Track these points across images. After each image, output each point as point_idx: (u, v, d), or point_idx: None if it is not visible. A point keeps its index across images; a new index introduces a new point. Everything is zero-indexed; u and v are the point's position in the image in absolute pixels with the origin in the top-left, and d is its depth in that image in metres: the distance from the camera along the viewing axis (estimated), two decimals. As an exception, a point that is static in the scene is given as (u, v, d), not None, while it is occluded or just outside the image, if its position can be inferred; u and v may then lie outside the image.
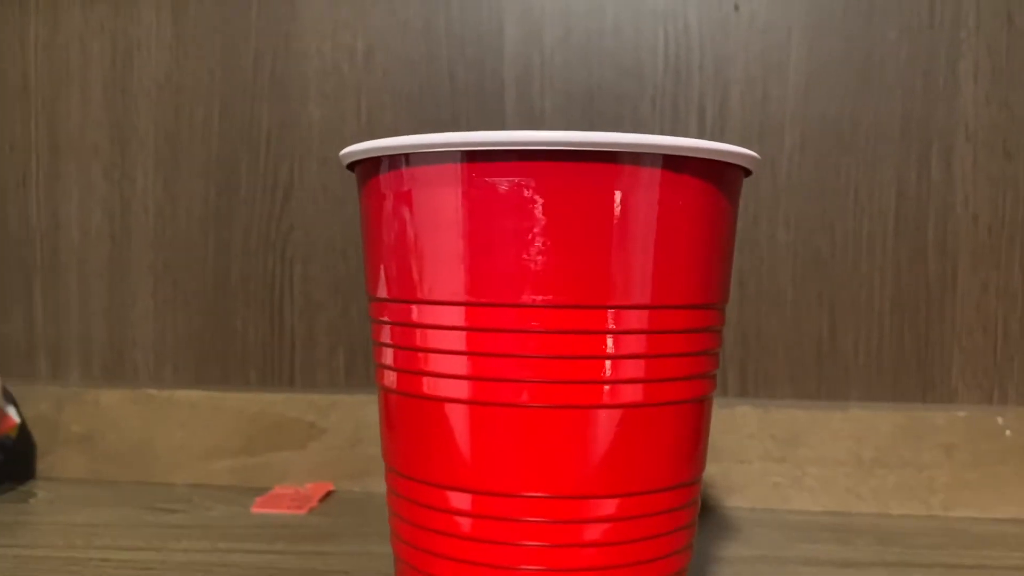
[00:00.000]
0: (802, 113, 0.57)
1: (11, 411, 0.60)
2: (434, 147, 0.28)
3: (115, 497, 0.58)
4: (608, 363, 0.28)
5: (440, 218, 0.28)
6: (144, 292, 0.64)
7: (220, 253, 0.63)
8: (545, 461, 0.28)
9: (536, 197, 0.27)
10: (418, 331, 0.30)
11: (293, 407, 0.60)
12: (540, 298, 0.28)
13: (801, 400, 0.57)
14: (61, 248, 0.65)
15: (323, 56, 0.61)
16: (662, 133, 0.58)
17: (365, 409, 0.59)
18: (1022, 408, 0.55)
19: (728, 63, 0.57)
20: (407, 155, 0.29)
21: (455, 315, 0.29)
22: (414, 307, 0.29)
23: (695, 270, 0.29)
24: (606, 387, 0.28)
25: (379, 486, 0.59)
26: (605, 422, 0.29)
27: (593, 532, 0.29)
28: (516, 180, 0.27)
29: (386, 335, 0.31)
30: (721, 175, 0.30)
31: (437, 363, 0.29)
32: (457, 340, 0.29)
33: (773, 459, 0.55)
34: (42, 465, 0.63)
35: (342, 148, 0.61)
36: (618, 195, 0.28)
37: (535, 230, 0.28)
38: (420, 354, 0.30)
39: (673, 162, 0.28)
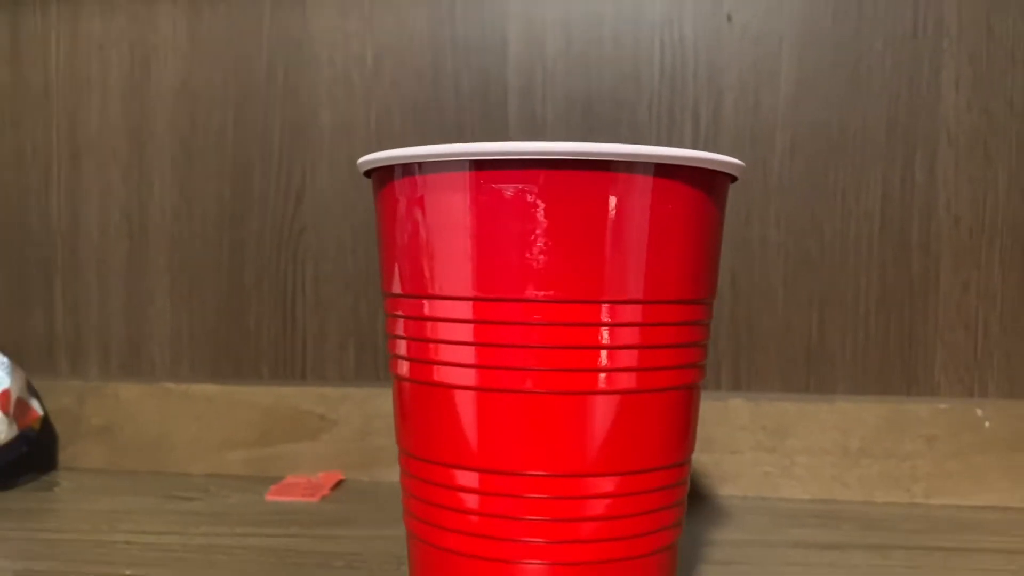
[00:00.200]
0: (792, 119, 0.59)
1: (35, 404, 0.63)
2: (445, 156, 0.31)
3: (135, 486, 0.60)
4: (604, 353, 0.31)
5: (450, 220, 0.31)
6: (161, 290, 0.66)
7: (234, 253, 0.65)
8: (546, 442, 0.31)
9: (538, 202, 0.30)
10: (429, 324, 0.32)
11: (305, 400, 0.62)
12: (542, 293, 0.30)
13: (791, 393, 0.60)
14: (81, 248, 0.67)
15: (334, 65, 0.64)
16: (658, 138, 0.60)
17: (374, 402, 0.61)
18: (1001, 401, 0.57)
19: (721, 71, 0.60)
20: (420, 163, 0.31)
21: (464, 309, 0.31)
22: (426, 302, 0.32)
23: (684, 267, 0.32)
24: (602, 375, 0.31)
25: (387, 475, 0.62)
26: (601, 407, 0.31)
27: (590, 508, 0.31)
28: (520, 186, 0.30)
29: (400, 328, 0.34)
30: (708, 181, 0.32)
31: (447, 353, 0.32)
32: (466, 332, 0.31)
33: (764, 449, 0.58)
34: (64, 456, 0.65)
35: (352, 153, 0.63)
36: (613, 200, 0.30)
37: (537, 231, 0.30)
38: (431, 345, 0.32)
39: (664, 169, 0.31)
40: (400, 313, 0.33)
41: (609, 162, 0.30)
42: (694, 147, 0.60)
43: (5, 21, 0.67)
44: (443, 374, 0.32)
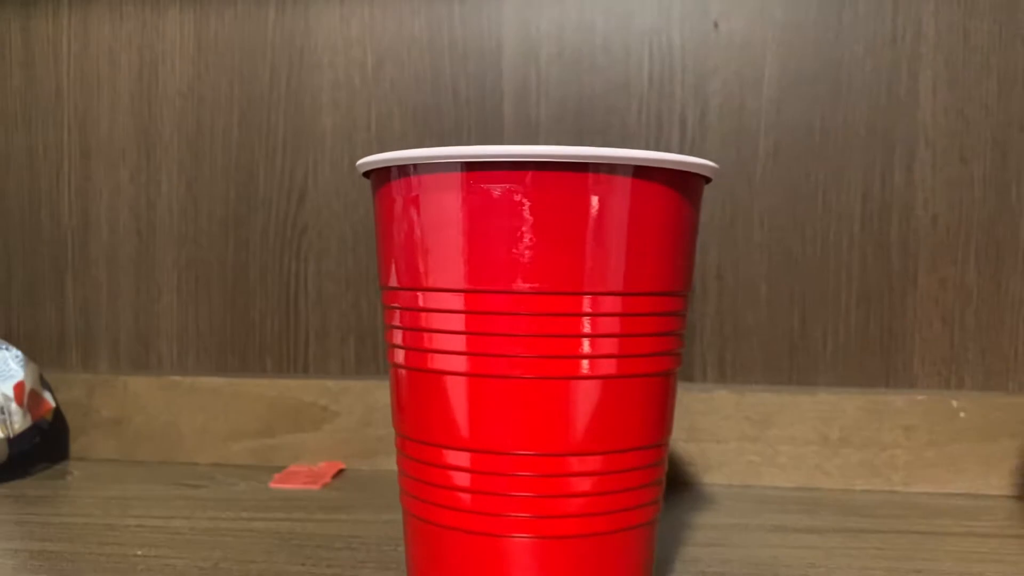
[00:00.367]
0: (775, 122, 0.62)
1: (47, 396, 0.65)
2: (438, 158, 0.33)
3: (144, 475, 0.63)
4: (587, 341, 0.33)
5: (443, 218, 0.33)
6: (169, 286, 0.69)
7: (239, 250, 0.68)
8: (533, 424, 0.33)
9: (525, 201, 0.32)
10: (423, 314, 0.34)
11: (307, 392, 0.65)
12: (528, 285, 0.33)
13: (774, 385, 0.62)
14: (91, 245, 0.70)
15: (335, 69, 0.66)
16: (647, 141, 0.63)
17: (374, 394, 0.64)
18: (975, 392, 0.60)
19: (708, 77, 0.62)
20: (415, 165, 0.34)
21: (456, 300, 0.34)
22: (420, 294, 0.34)
23: (661, 262, 0.34)
24: (585, 361, 0.33)
25: (387, 464, 0.64)
26: (584, 391, 0.33)
27: (574, 485, 0.34)
28: (508, 186, 0.32)
29: (396, 319, 0.36)
30: (684, 182, 0.35)
31: (440, 342, 0.34)
32: (457, 322, 0.34)
33: (748, 439, 0.60)
34: (75, 447, 0.68)
35: (353, 154, 0.66)
36: (595, 199, 0.33)
37: (524, 228, 0.33)
38: (425, 334, 0.34)
39: (642, 171, 0.33)
40: (397, 305, 0.36)
41: (591, 164, 0.32)
42: (681, 149, 0.62)
43: (18, 26, 0.70)
44: (436, 361, 0.34)
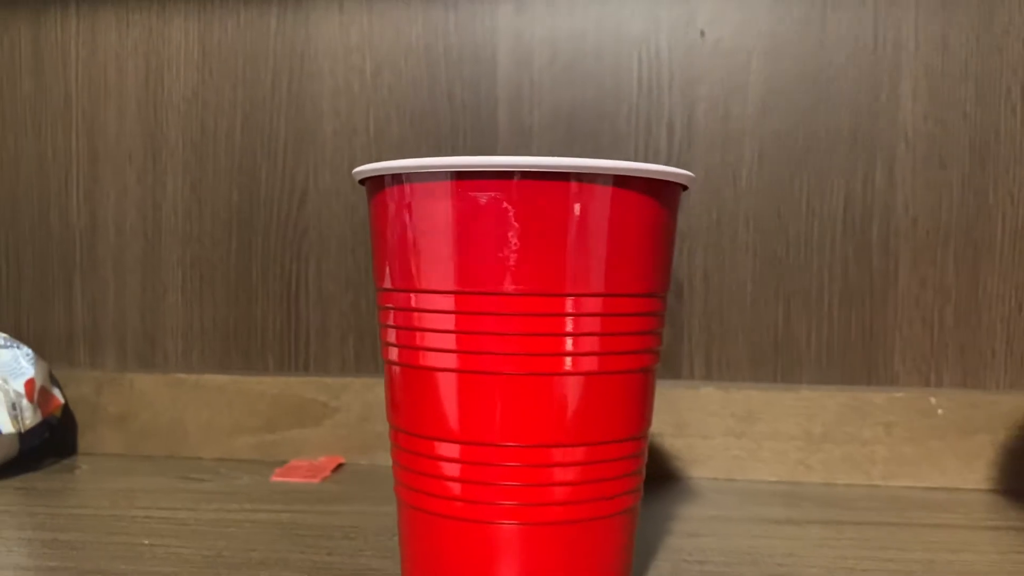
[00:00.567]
0: (760, 127, 0.64)
1: (56, 392, 0.67)
2: (429, 168, 0.35)
3: (150, 469, 0.65)
4: (569, 339, 0.35)
5: (434, 224, 0.35)
6: (174, 286, 0.71)
7: (242, 251, 0.70)
8: (519, 417, 0.35)
9: (510, 208, 0.34)
10: (415, 314, 0.37)
11: (308, 389, 0.67)
12: (514, 287, 0.35)
13: (759, 382, 0.64)
14: (99, 246, 0.72)
15: (335, 76, 0.68)
16: (636, 146, 0.65)
17: (373, 391, 0.66)
18: (953, 390, 0.62)
19: (695, 84, 0.64)
20: (407, 174, 0.36)
21: (446, 301, 0.36)
22: (412, 295, 0.37)
23: (640, 265, 0.36)
24: (568, 358, 0.35)
25: (385, 459, 0.66)
26: (567, 386, 0.36)
27: (558, 474, 0.36)
28: (494, 194, 0.34)
29: (390, 318, 0.38)
30: (660, 190, 0.37)
31: (432, 340, 0.36)
32: (447, 321, 0.36)
33: (733, 434, 0.62)
34: (83, 442, 0.70)
35: (352, 158, 0.68)
36: (577, 206, 0.35)
37: (510, 234, 0.35)
38: (418, 333, 0.37)
39: (621, 180, 0.35)
40: (390, 305, 0.38)
41: (572, 173, 0.34)
42: (669, 154, 0.64)
43: (28, 34, 0.72)
44: (428, 358, 0.36)
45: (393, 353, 0.38)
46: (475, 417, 0.36)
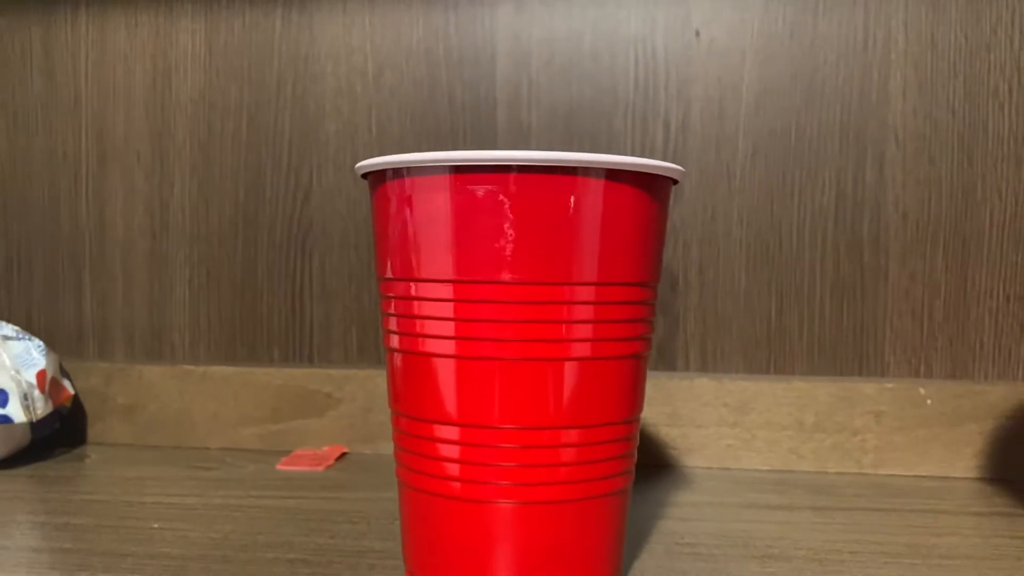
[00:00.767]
0: (753, 126, 0.65)
1: (67, 384, 0.69)
2: (429, 162, 0.37)
3: (158, 458, 0.66)
4: (564, 326, 0.37)
5: (433, 216, 0.37)
6: (181, 281, 0.73)
7: (248, 247, 0.72)
8: (515, 401, 0.37)
9: (506, 200, 0.36)
10: (416, 303, 0.38)
11: (312, 381, 0.68)
12: (510, 276, 0.36)
13: (752, 373, 0.66)
14: (107, 243, 0.74)
15: (338, 76, 0.70)
16: (632, 144, 0.66)
17: (375, 382, 0.67)
18: (942, 381, 0.63)
19: (690, 83, 0.66)
20: (408, 168, 0.37)
21: (445, 290, 0.37)
22: (413, 284, 0.38)
23: (631, 255, 0.38)
24: (562, 344, 0.37)
25: (387, 448, 0.68)
26: (562, 372, 0.37)
27: (553, 455, 0.37)
28: (491, 187, 0.36)
29: (392, 307, 0.40)
30: (651, 184, 0.38)
31: (431, 327, 0.38)
32: (446, 309, 0.37)
33: (726, 424, 0.64)
34: (92, 432, 0.72)
35: (355, 156, 0.70)
36: (571, 199, 0.36)
37: (506, 225, 0.36)
38: (418, 321, 0.38)
39: (613, 174, 0.37)
40: (392, 294, 0.40)
41: (567, 168, 0.36)
42: (665, 151, 0.66)
43: (39, 36, 0.73)
44: (428, 345, 0.38)
45: (395, 340, 0.40)
46: (473, 401, 0.37)
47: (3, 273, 0.75)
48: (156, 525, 0.50)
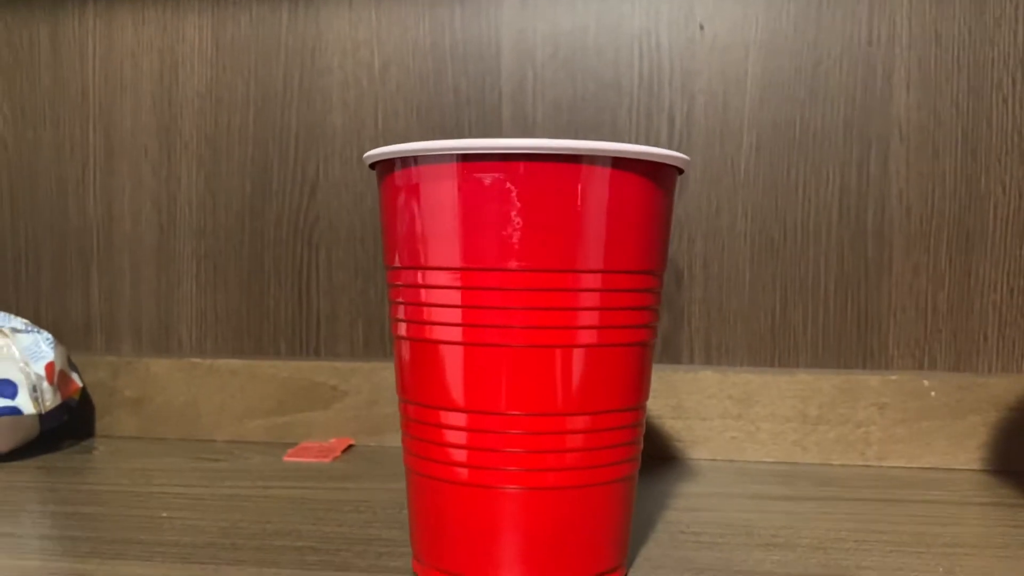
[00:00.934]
0: (757, 119, 0.66)
1: (75, 377, 0.69)
2: (436, 151, 0.37)
3: (165, 450, 0.67)
4: (570, 313, 0.37)
5: (441, 204, 0.37)
6: (188, 275, 0.73)
7: (255, 240, 0.72)
8: (522, 387, 0.37)
9: (513, 188, 0.36)
10: (423, 291, 0.38)
11: (318, 373, 0.69)
12: (517, 264, 0.37)
13: (756, 366, 0.66)
14: (115, 237, 0.74)
15: (344, 71, 0.70)
16: (636, 138, 0.66)
17: (381, 374, 0.68)
18: (946, 373, 0.63)
19: (694, 77, 0.66)
20: (415, 157, 0.38)
21: (452, 278, 0.37)
22: (420, 272, 0.38)
23: (637, 243, 0.38)
24: (568, 332, 0.37)
25: (393, 440, 0.68)
26: (568, 358, 0.37)
27: (559, 442, 0.38)
28: (498, 176, 0.36)
29: (399, 295, 0.40)
30: (657, 172, 0.39)
31: (439, 315, 0.38)
32: (454, 297, 0.38)
33: (731, 416, 0.64)
34: (100, 425, 0.72)
35: (361, 150, 0.70)
36: (577, 187, 0.37)
37: (513, 213, 0.36)
38: (425, 308, 0.38)
39: (620, 162, 0.37)
40: (400, 283, 0.40)
41: (573, 156, 0.36)
42: (669, 145, 0.66)
43: (46, 30, 0.74)
44: (435, 332, 0.38)
45: (402, 328, 0.40)
46: (480, 387, 0.38)
47: (11, 267, 0.75)
48: (164, 514, 0.50)
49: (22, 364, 0.63)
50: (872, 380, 0.63)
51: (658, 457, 0.65)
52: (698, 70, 0.66)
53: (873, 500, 0.54)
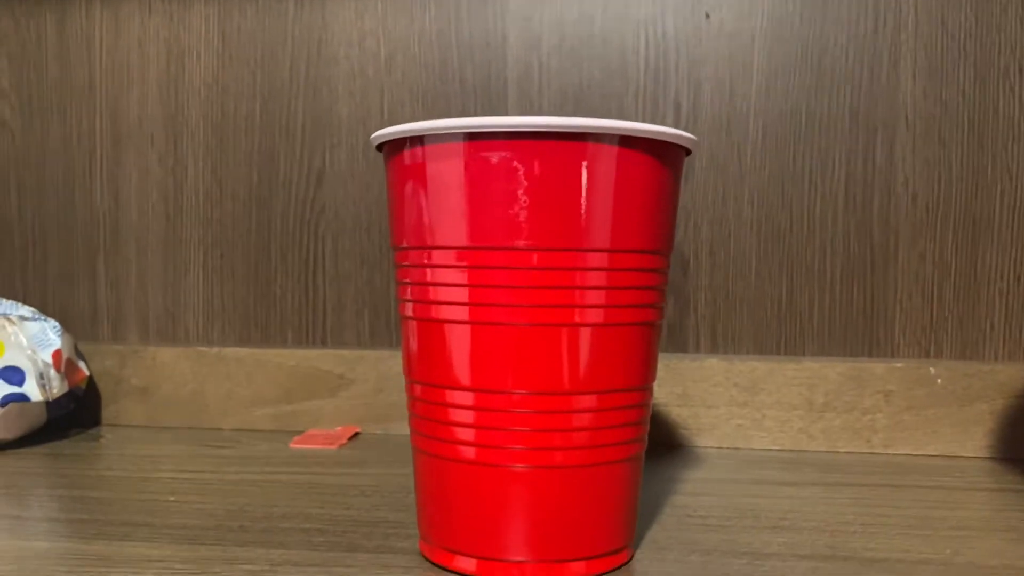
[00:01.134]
0: (764, 107, 0.66)
1: (82, 365, 0.69)
2: (443, 130, 0.37)
3: (172, 438, 0.67)
4: (577, 292, 0.37)
5: (447, 183, 0.37)
6: (195, 264, 0.73)
7: (261, 230, 0.72)
8: (528, 366, 0.37)
9: (520, 167, 0.36)
10: (430, 270, 0.39)
11: (325, 362, 0.69)
12: (523, 242, 0.37)
13: (762, 354, 0.66)
14: (122, 226, 0.74)
15: (350, 60, 0.70)
16: (643, 124, 0.66)
17: (387, 363, 0.68)
18: (952, 361, 0.63)
19: (700, 64, 0.66)
20: (423, 136, 0.38)
21: (459, 257, 0.38)
22: (427, 252, 0.39)
23: (643, 222, 0.38)
24: (575, 311, 0.37)
25: (399, 428, 0.68)
26: (574, 338, 0.37)
27: (565, 421, 0.38)
28: (505, 154, 0.36)
29: (407, 275, 0.40)
30: (664, 151, 0.39)
31: (445, 294, 0.38)
32: (461, 276, 0.38)
33: (737, 404, 0.64)
34: (107, 413, 0.72)
35: (367, 139, 0.70)
36: (584, 165, 0.37)
37: (519, 192, 0.37)
38: (432, 288, 0.39)
39: (626, 141, 0.37)
40: (407, 263, 0.40)
41: (580, 134, 0.36)
42: (675, 132, 0.66)
43: (54, 21, 0.74)
44: (442, 311, 0.38)
45: (409, 308, 0.40)
46: (487, 366, 0.38)
47: (19, 255, 0.75)
48: (172, 498, 0.50)
49: (29, 352, 0.64)
50: (878, 368, 0.63)
51: (664, 445, 0.65)
52: (704, 58, 0.66)
53: (879, 486, 0.54)
